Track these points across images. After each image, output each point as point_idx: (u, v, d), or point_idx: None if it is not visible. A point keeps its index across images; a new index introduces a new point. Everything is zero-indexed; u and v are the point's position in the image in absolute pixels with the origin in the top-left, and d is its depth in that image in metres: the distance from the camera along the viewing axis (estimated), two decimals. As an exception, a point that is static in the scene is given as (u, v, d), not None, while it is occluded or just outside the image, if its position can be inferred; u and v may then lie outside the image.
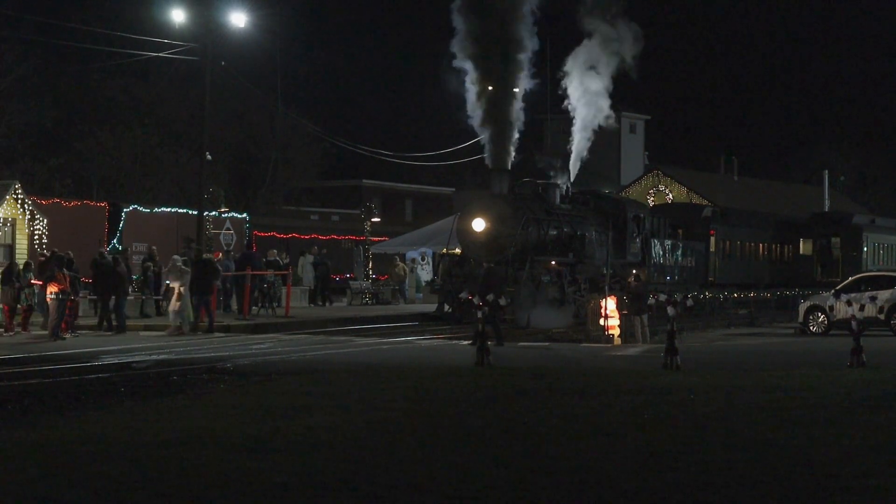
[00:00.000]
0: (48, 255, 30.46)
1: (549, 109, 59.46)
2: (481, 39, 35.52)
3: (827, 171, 78.55)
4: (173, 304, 29.03)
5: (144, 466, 10.50)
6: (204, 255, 31.00)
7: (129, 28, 44.21)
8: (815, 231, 57.46)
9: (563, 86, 41.27)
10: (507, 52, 35.81)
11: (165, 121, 60.19)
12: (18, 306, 29.62)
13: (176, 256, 31.05)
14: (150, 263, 34.48)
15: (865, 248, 56.62)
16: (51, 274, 27.32)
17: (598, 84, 40.98)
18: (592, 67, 40.76)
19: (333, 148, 57.20)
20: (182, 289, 28.74)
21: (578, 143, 41.58)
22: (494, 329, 25.83)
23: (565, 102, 41.51)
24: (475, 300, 22.65)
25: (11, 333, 27.93)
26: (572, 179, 41.69)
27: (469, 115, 36.24)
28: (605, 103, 41.51)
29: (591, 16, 40.77)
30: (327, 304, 42.88)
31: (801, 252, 57.64)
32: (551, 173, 40.45)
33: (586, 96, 41.07)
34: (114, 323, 29.31)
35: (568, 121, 42.46)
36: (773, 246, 56.57)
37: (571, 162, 41.50)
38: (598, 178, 73.37)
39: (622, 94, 43.22)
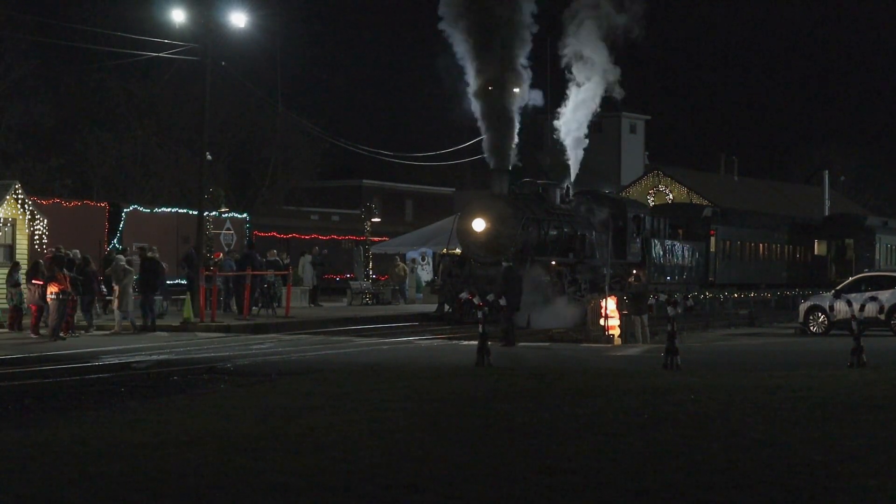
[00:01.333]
0: (53, 252, 30.59)
1: (550, 109, 59.49)
2: (480, 39, 35.53)
3: (827, 171, 78.57)
4: (118, 304, 29.35)
5: (144, 466, 10.49)
6: (149, 255, 31.11)
7: (129, 28, 44.20)
8: (829, 233, 58.74)
9: (563, 53, 40.69)
10: (506, 52, 35.84)
11: (165, 121, 60.18)
12: (8, 305, 29.69)
13: (119, 256, 31.05)
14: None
15: (878, 249, 57.68)
16: (51, 274, 27.33)
17: (600, 49, 40.43)
18: (591, 22, 40.11)
19: (333, 148, 57.18)
20: (123, 288, 29.10)
21: (577, 107, 40.95)
22: (508, 330, 25.85)
23: (564, 60, 40.81)
24: (475, 300, 22.64)
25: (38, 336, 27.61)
26: (572, 179, 41.70)
27: (472, 112, 36.26)
28: (607, 65, 40.91)
29: None
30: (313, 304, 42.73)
31: (816, 253, 58.80)
32: (550, 165, 40.41)
33: (585, 58, 40.53)
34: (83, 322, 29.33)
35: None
36: (776, 246, 57.21)
37: (569, 149, 41.24)
38: (598, 178, 73.38)
39: (622, 94, 42.84)
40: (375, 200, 63.71)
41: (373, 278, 48.05)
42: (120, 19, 51.43)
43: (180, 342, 26.50)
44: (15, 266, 30.42)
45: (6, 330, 29.19)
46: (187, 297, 32.68)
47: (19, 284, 29.70)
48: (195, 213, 35.96)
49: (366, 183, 77.58)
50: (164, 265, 35.45)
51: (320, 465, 10.63)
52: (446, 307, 35.51)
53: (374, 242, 50.48)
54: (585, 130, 41.65)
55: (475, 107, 35.95)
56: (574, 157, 41.48)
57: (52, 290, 27.02)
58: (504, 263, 29.00)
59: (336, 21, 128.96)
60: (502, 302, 24.59)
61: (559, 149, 41.53)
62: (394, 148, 54.01)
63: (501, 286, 26.75)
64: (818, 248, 58.85)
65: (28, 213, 33.79)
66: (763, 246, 55.74)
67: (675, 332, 20.77)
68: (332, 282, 51.18)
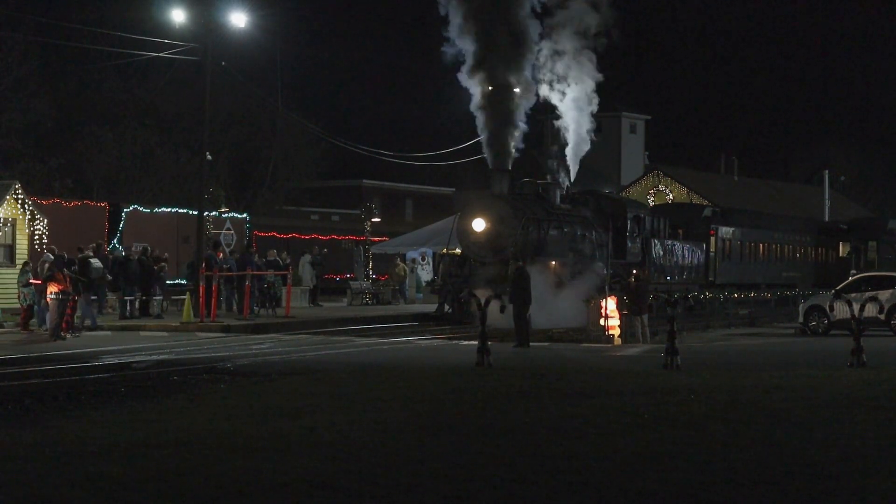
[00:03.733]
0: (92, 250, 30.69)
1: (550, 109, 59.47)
2: (481, 39, 35.55)
3: (827, 171, 78.63)
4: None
5: (144, 466, 10.49)
6: (81, 254, 30.74)
7: (129, 28, 44.22)
8: (853, 236, 61.12)
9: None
10: (507, 52, 35.85)
11: (165, 121, 60.19)
12: (22, 306, 29.65)
13: (47, 254, 30.74)
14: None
15: None
16: (51, 274, 27.33)
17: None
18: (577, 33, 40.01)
19: (333, 148, 57.18)
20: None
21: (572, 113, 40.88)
22: (521, 330, 25.74)
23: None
24: (473, 301, 22.60)
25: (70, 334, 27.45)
26: (572, 179, 41.67)
27: (473, 113, 36.25)
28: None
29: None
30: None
31: (841, 255, 60.97)
32: (554, 166, 40.30)
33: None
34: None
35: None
36: (806, 249, 59.92)
37: (570, 148, 41.20)
38: (598, 178, 73.41)
39: (622, 94, 42.91)
40: (375, 200, 63.71)
41: (373, 278, 48.03)
42: (120, 19, 51.47)
43: (180, 342, 26.48)
44: (25, 266, 30.44)
45: (17, 330, 29.13)
46: (187, 296, 32.68)
47: (30, 285, 29.71)
48: (195, 213, 35.98)
49: (366, 183, 77.57)
50: (164, 265, 35.57)
51: (320, 465, 10.62)
52: (446, 307, 35.49)
53: (374, 242, 50.47)
54: (589, 125, 41.51)
55: (474, 107, 35.98)
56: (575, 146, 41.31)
57: (51, 289, 27.02)
58: (518, 264, 27.99)
59: (336, 20, 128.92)
60: (503, 302, 24.44)
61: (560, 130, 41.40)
62: (394, 148, 54.03)
63: (512, 287, 26.34)
64: (842, 249, 61.04)
65: (28, 213, 33.78)
66: (764, 245, 56.21)
67: (675, 332, 20.77)
68: (332, 282, 51.18)
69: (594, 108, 41.63)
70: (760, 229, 55.15)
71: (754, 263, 54.25)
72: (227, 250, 41.46)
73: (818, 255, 60.51)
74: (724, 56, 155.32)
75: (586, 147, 41.89)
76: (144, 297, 34.50)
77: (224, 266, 34.47)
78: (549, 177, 41.21)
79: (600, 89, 41.47)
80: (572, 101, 41.02)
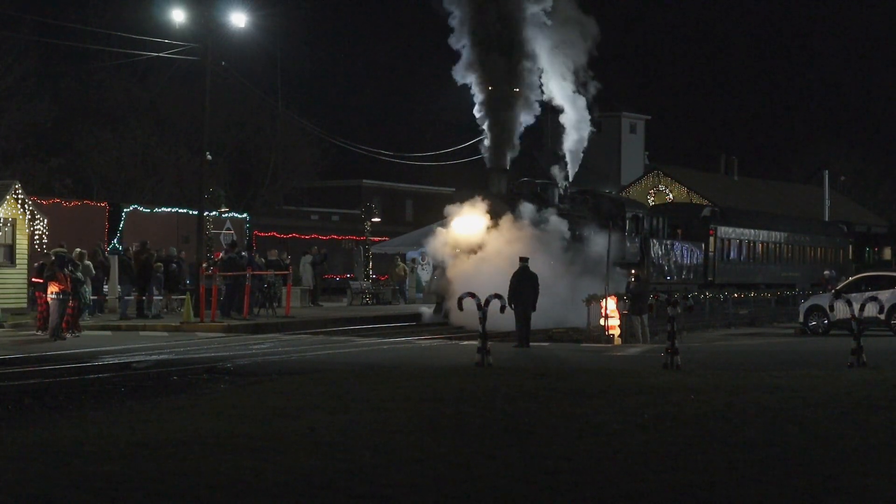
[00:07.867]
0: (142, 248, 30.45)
1: (549, 109, 59.38)
2: (481, 39, 35.56)
3: (827, 171, 78.62)
4: None
5: (144, 466, 10.49)
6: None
7: (129, 28, 44.21)
8: (893, 240, 65.70)
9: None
10: (507, 52, 35.86)
11: (165, 121, 60.19)
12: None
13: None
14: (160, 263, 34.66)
15: None
16: (51, 274, 27.31)
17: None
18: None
19: (333, 148, 57.17)
20: None
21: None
22: (524, 330, 25.63)
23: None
24: (475, 301, 22.56)
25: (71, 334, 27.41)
26: (571, 178, 41.65)
27: (475, 115, 36.26)
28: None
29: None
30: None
31: (883, 258, 64.56)
32: (555, 168, 40.33)
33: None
34: None
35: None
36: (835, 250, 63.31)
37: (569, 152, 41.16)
38: (598, 178, 73.35)
39: (622, 94, 42.87)
40: (375, 200, 63.70)
41: (373, 278, 48.05)
42: (120, 19, 51.48)
43: (180, 342, 26.48)
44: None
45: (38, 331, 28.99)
46: (187, 296, 32.66)
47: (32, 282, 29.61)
48: (195, 213, 35.94)
49: (366, 183, 77.53)
50: (160, 264, 35.54)
51: (320, 465, 10.62)
52: (444, 307, 35.48)
53: (374, 242, 50.48)
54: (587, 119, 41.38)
55: (476, 109, 35.99)
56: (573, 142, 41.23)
57: (52, 290, 27.01)
58: (520, 262, 26.95)
59: (336, 21, 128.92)
60: (500, 302, 24.25)
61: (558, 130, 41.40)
62: (394, 148, 54.02)
63: (517, 285, 25.73)
64: (887, 253, 64.91)
65: (28, 213, 33.77)
66: (766, 246, 56.53)
67: (675, 332, 20.77)
68: (332, 282, 51.20)
69: (586, 103, 41.43)
70: (796, 233, 57.31)
71: (760, 264, 54.67)
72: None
73: (856, 257, 64.15)
74: (723, 56, 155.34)
75: (584, 144, 41.82)
76: (143, 297, 34.43)
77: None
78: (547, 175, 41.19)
79: (600, 92, 41.47)
80: (560, 97, 40.93)
